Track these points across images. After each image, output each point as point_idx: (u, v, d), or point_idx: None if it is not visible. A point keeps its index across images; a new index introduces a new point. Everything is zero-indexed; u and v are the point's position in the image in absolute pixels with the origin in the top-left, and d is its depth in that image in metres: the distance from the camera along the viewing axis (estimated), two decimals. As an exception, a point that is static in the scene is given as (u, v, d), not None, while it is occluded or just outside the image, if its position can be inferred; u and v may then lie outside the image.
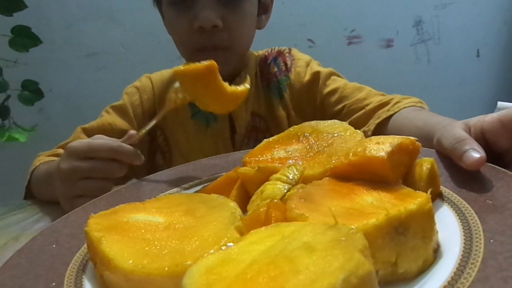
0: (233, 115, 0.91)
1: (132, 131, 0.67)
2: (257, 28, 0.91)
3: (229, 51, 0.84)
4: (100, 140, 0.65)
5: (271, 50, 0.99)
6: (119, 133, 0.90)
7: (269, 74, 0.95)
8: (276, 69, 0.95)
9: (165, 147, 0.95)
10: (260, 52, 0.99)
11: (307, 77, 0.92)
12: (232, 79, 0.91)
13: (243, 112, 0.92)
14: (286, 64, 0.96)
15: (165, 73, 0.98)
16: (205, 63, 0.62)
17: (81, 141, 0.65)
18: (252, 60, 0.95)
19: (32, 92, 1.69)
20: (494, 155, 0.47)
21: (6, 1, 1.55)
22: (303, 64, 0.95)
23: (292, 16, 1.87)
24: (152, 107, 0.94)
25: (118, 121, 0.90)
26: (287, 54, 0.97)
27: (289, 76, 0.94)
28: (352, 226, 0.31)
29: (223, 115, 0.92)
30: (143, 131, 0.67)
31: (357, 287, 0.24)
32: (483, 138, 0.49)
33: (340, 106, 0.88)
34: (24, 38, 1.61)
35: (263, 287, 0.25)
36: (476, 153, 0.44)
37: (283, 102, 0.93)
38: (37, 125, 1.77)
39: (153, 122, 0.68)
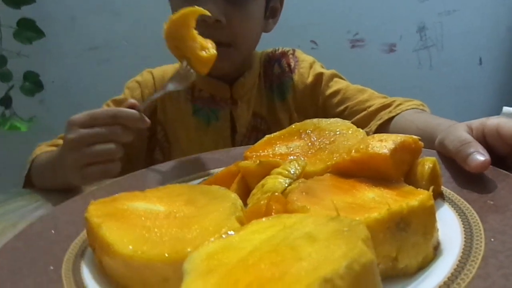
0: (235, 114, 0.91)
1: (132, 100, 0.68)
2: (263, 31, 0.91)
3: (231, 48, 0.83)
4: (100, 109, 0.66)
5: (275, 51, 0.99)
6: None
7: (272, 75, 0.95)
8: (279, 71, 0.95)
9: (165, 143, 0.94)
10: (264, 52, 0.99)
11: (310, 79, 0.92)
12: (236, 79, 0.91)
13: (245, 112, 0.92)
14: (289, 65, 0.95)
15: (167, 68, 0.98)
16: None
17: (81, 113, 0.66)
18: (256, 60, 0.95)
19: (33, 83, 1.70)
20: (496, 157, 0.47)
21: (15, -6, 1.57)
22: (307, 66, 0.95)
23: (295, 17, 1.87)
24: (153, 102, 0.93)
25: None
26: (290, 55, 0.97)
27: (293, 77, 0.94)
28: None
29: (225, 114, 0.91)
30: (148, 102, 0.70)
31: (359, 275, 0.24)
32: (484, 141, 0.49)
33: (342, 107, 0.88)
34: (28, 31, 1.63)
35: (265, 273, 0.25)
36: (481, 156, 0.44)
37: (285, 104, 0.93)
38: (35, 116, 1.76)
39: (156, 95, 0.70)
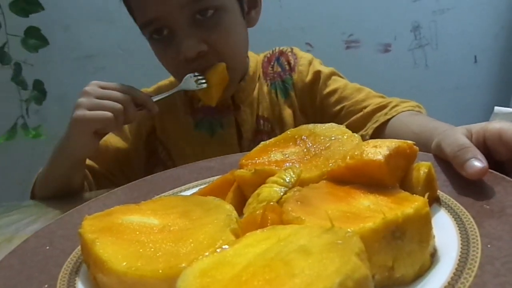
0: (239, 120, 0.90)
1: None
2: (249, 26, 0.88)
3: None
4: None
5: (273, 51, 0.98)
6: (114, 151, 0.89)
7: (273, 74, 0.94)
8: (280, 69, 0.94)
9: (168, 162, 0.93)
10: (262, 55, 0.98)
11: (309, 77, 0.91)
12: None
13: (249, 117, 0.90)
14: (289, 63, 0.94)
15: (162, 84, 0.97)
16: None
17: None
18: (254, 62, 0.94)
19: (39, 92, 1.71)
20: (495, 162, 0.47)
21: (23, 2, 1.57)
22: (306, 63, 0.93)
23: (291, 20, 1.87)
24: (149, 123, 0.93)
25: (113, 139, 0.89)
26: (289, 53, 0.96)
27: (293, 76, 0.93)
28: (349, 230, 0.31)
29: (230, 122, 0.90)
30: (160, 97, 0.79)
31: (353, 291, 0.24)
32: (484, 145, 0.48)
33: (339, 107, 0.87)
34: (33, 39, 1.63)
35: (258, 290, 0.25)
36: (478, 163, 0.43)
37: (289, 100, 0.92)
38: (41, 124, 1.77)
39: (169, 93, 0.81)
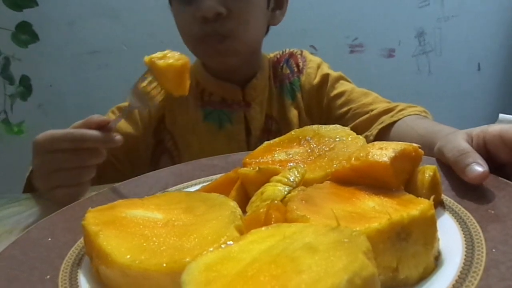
0: (249, 117, 0.91)
1: (102, 117, 0.65)
2: (271, 24, 0.90)
3: (235, 40, 0.82)
4: (63, 130, 0.62)
5: (283, 52, 0.99)
6: (124, 137, 0.88)
7: (282, 76, 0.95)
8: (288, 71, 0.95)
9: (174, 151, 0.93)
10: (272, 55, 0.99)
11: (317, 79, 0.93)
12: (247, 82, 0.91)
13: (258, 115, 0.91)
14: (298, 66, 0.96)
15: None
16: (179, 60, 0.62)
17: (45, 133, 0.62)
18: (265, 62, 0.95)
19: (25, 87, 1.70)
20: (496, 165, 0.47)
21: (17, -4, 1.56)
22: (314, 66, 0.95)
23: (295, 22, 1.87)
24: (160, 110, 0.93)
25: (123, 125, 0.89)
26: (299, 56, 0.98)
27: (300, 78, 0.94)
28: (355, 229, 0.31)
29: (239, 118, 0.91)
30: (118, 119, 0.67)
31: (361, 289, 0.24)
32: (485, 149, 0.48)
33: (345, 109, 0.88)
34: (24, 35, 1.62)
35: (265, 285, 0.25)
36: (479, 167, 0.43)
37: (296, 103, 0.93)
38: (24, 121, 1.76)
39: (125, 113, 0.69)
